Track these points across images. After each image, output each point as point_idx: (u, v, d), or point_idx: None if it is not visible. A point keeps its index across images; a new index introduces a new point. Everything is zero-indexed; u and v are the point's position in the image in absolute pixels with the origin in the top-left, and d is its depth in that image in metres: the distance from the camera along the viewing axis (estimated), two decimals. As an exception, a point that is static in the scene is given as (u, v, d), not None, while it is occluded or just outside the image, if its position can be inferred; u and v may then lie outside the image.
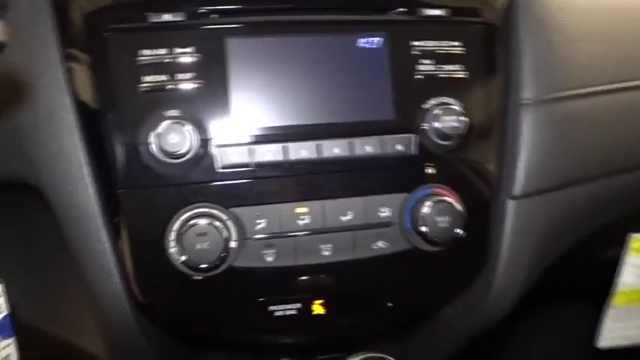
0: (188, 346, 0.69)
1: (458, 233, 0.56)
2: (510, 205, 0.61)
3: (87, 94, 0.54)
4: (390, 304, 0.59)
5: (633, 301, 0.76)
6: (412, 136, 0.57)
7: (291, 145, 0.55)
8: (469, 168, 0.59)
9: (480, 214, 0.60)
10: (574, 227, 0.66)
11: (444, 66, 0.59)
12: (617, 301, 0.76)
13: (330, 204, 0.56)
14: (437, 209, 0.56)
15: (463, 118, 0.57)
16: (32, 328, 0.67)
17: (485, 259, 0.62)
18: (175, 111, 0.53)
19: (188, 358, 0.71)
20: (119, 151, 0.53)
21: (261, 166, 0.54)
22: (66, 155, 0.54)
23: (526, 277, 0.63)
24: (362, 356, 0.41)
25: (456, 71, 0.59)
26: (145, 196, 0.53)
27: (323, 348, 0.73)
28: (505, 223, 0.61)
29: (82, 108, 0.55)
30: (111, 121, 0.53)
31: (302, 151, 0.55)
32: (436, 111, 0.57)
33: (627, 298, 0.76)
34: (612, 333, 0.77)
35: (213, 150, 0.54)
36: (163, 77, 0.54)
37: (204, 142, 0.53)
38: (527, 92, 0.62)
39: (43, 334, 0.68)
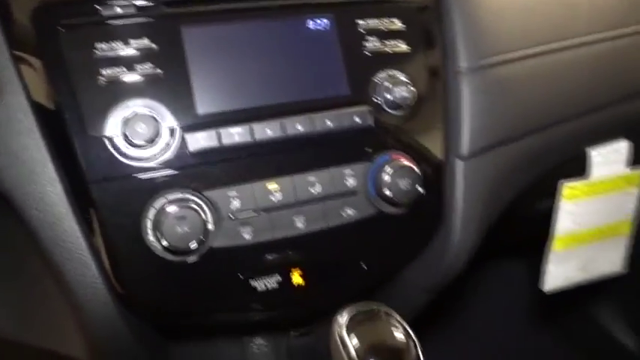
0: (169, 336, 0.69)
1: (419, 192, 0.61)
2: (459, 165, 0.67)
3: (45, 93, 0.54)
4: (363, 266, 0.62)
5: (570, 244, 0.84)
6: (367, 108, 0.61)
7: (255, 125, 0.57)
8: (420, 134, 0.64)
9: (434, 175, 0.65)
10: (518, 178, 0.73)
11: (389, 42, 0.63)
12: (556, 247, 0.83)
13: (298, 178, 0.59)
14: (397, 173, 0.60)
15: (411, 88, 0.62)
16: (3, 339, 0.66)
17: (442, 216, 0.67)
18: (139, 101, 0.54)
19: (169, 351, 0.72)
20: (85, 146, 0.54)
21: (229, 148, 0.56)
22: (29, 154, 0.54)
23: (479, 231, 0.69)
24: (356, 308, 0.44)
25: (400, 46, 0.64)
26: (116, 187, 0.54)
27: (300, 321, 0.76)
28: (456, 181, 0.67)
29: (41, 107, 0.55)
30: (73, 116, 0.54)
31: (267, 130, 0.57)
32: (386, 83, 0.61)
33: (564, 243, 0.83)
34: (555, 276, 0.85)
35: (181, 136, 0.55)
36: (123, 69, 0.54)
37: (171, 130, 0.55)
38: (462, 62, 0.67)
39: (16, 345, 0.66)
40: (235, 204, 0.57)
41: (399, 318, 0.44)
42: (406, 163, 0.61)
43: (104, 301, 0.56)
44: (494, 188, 0.69)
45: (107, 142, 0.54)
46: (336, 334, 0.43)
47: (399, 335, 0.43)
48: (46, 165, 0.54)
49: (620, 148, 0.81)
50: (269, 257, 0.59)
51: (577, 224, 0.83)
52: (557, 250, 0.83)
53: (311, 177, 0.59)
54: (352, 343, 0.42)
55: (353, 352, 0.42)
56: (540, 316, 1.58)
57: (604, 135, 0.79)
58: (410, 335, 0.43)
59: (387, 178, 0.60)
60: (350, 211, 0.61)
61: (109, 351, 0.60)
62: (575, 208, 0.81)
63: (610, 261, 0.88)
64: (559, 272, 0.85)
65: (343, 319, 0.44)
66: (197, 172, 0.56)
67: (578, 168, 0.81)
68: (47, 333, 0.66)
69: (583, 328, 1.55)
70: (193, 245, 0.54)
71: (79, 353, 0.65)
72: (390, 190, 0.60)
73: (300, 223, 0.59)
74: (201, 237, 0.54)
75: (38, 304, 0.66)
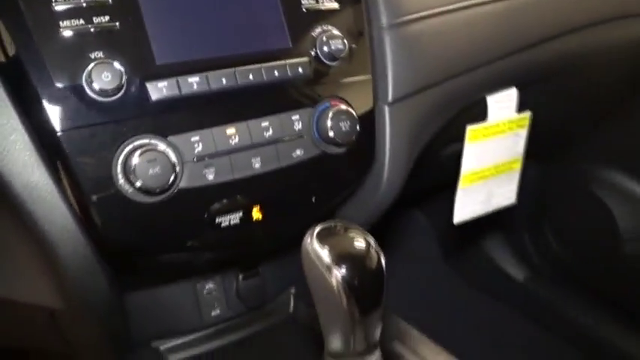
0: (125, 285, 0.73)
1: (356, 133, 0.69)
2: (386, 110, 0.76)
3: (6, 49, 0.56)
4: (312, 200, 0.70)
5: (473, 181, 0.97)
6: (307, 60, 0.68)
7: (211, 74, 0.62)
8: (354, 82, 0.73)
9: (367, 119, 0.74)
10: (434, 121, 0.83)
11: (322, 0, 0.71)
12: (463, 184, 0.96)
13: (253, 123, 0.65)
14: (336, 118, 0.68)
15: (344, 42, 0.70)
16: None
17: (374, 155, 0.76)
18: (100, 52, 0.57)
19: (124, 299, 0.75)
20: (52, 97, 0.56)
21: (188, 96, 0.61)
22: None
23: (405, 169, 0.79)
24: (322, 225, 0.51)
25: (332, 4, 0.72)
26: (85, 134, 0.57)
27: (253, 260, 0.83)
28: (384, 124, 0.76)
29: (3, 63, 0.56)
30: (37, 69, 0.56)
31: (222, 79, 0.63)
32: (323, 37, 0.69)
33: (469, 180, 0.96)
34: (462, 210, 0.97)
35: (143, 85, 0.59)
36: (81, 21, 0.57)
37: (134, 80, 0.59)
38: (383, 19, 0.76)
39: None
40: (198, 148, 0.62)
41: (361, 230, 0.52)
42: (344, 108, 0.69)
43: (78, 244, 0.59)
44: (416, 130, 0.79)
45: (73, 92, 0.56)
46: (308, 247, 0.49)
47: (363, 243, 0.50)
48: (10, 118, 0.56)
49: (512, 94, 0.95)
50: (231, 196, 0.65)
51: (479, 163, 0.96)
52: (463, 187, 0.96)
53: (264, 122, 0.66)
54: (324, 253, 0.49)
55: (327, 260, 0.48)
56: (443, 256, 1.76)
57: (499, 83, 0.92)
58: (372, 245, 0.51)
59: (328, 122, 0.68)
60: (299, 152, 0.68)
61: (81, 293, 0.63)
62: (477, 148, 0.94)
63: (506, 194, 1.03)
64: (465, 206, 0.98)
65: (313, 233, 0.50)
66: (160, 119, 0.60)
67: (478, 113, 0.94)
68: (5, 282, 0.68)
69: (476, 262, 1.74)
70: (165, 185, 0.58)
71: (43, 299, 0.67)
72: (332, 132, 0.68)
73: (256, 164, 0.65)
74: (171, 178, 0.59)
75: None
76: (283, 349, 0.90)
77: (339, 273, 0.46)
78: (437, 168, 0.99)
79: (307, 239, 0.51)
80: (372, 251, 0.50)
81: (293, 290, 0.94)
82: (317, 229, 0.51)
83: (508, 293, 1.67)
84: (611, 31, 1.03)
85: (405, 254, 1.68)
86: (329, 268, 0.46)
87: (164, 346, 0.86)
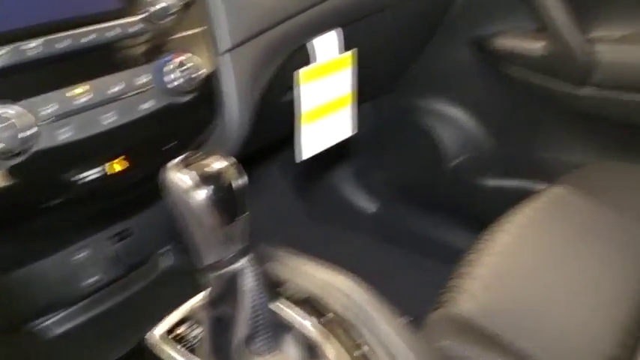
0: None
1: (202, 79, 0.75)
2: (226, 57, 0.82)
3: None
4: (170, 146, 0.75)
5: (312, 119, 1.07)
6: (140, 18, 0.72)
7: (51, 38, 0.64)
8: (191, 35, 0.78)
9: (209, 66, 0.80)
10: (270, 65, 0.91)
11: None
12: (302, 123, 1.06)
13: (100, 81, 0.68)
14: (180, 67, 0.74)
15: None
16: None
17: (221, 99, 0.83)
18: None
19: None
20: None
21: (31, 59, 0.63)
22: None
23: (250, 112, 0.87)
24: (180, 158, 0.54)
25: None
26: None
27: (120, 213, 0.86)
28: (226, 69, 0.82)
29: None
30: None
31: (63, 42, 0.65)
32: None
33: (308, 118, 1.06)
34: (305, 147, 1.07)
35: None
36: None
37: None
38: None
39: None
40: (48, 109, 0.64)
41: (221, 154, 0.57)
42: (185, 58, 0.75)
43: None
44: (255, 73, 0.87)
45: None
46: (168, 174, 0.52)
47: (222, 162, 0.55)
48: None
49: (334, 35, 1.05)
50: (88, 152, 0.68)
51: (314, 102, 1.06)
52: (303, 125, 1.06)
53: (111, 79, 0.69)
54: (184, 175, 0.52)
55: (188, 181, 0.53)
56: (297, 192, 1.88)
57: (323, 25, 1.02)
58: (231, 162, 0.56)
59: (172, 73, 0.74)
60: (147, 104, 0.73)
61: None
62: (311, 89, 1.04)
63: (342, 127, 1.15)
64: (307, 143, 1.08)
65: (173, 162, 0.54)
66: (7, 84, 0.62)
67: (306, 57, 1.03)
68: None
69: (327, 198, 1.89)
70: (19, 148, 0.61)
71: None
72: (176, 82, 0.74)
73: (109, 119, 0.69)
74: (26, 140, 0.61)
75: None
76: (166, 299, 0.95)
77: (202, 191, 0.52)
78: (279, 117, 1.07)
79: (167, 168, 0.54)
80: (231, 168, 0.55)
81: (169, 247, 0.99)
82: (176, 159, 0.55)
83: (359, 222, 1.84)
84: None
85: (262, 190, 1.76)
86: (191, 188, 0.52)
87: (44, 323, 0.87)
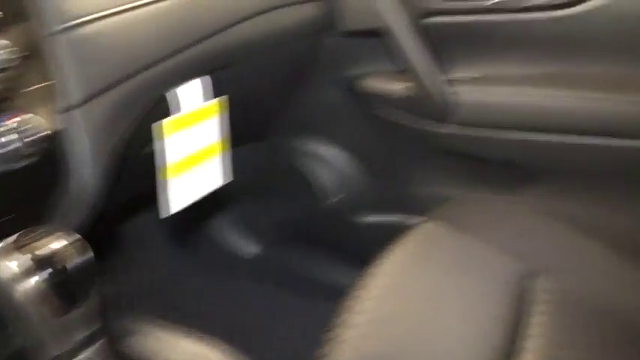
0: None
1: (44, 138, 0.68)
2: (72, 114, 0.76)
3: None
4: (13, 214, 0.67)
5: (178, 172, 1.02)
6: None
7: None
8: (33, 92, 0.71)
9: (54, 126, 0.73)
10: (122, 121, 0.86)
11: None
12: (168, 176, 1.00)
13: None
14: (18, 128, 0.67)
15: (13, 49, 0.68)
16: None
17: (69, 161, 0.76)
18: None
19: None
20: None
21: None
22: None
23: (104, 167, 0.80)
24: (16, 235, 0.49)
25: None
26: None
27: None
28: (74, 129, 0.76)
29: None
30: None
31: None
32: None
33: (174, 172, 1.01)
34: (172, 201, 1.02)
35: None
36: None
37: None
38: (53, 24, 0.76)
39: None
40: None
41: (65, 230, 0.51)
42: (21, 120, 0.68)
43: None
44: (108, 131, 0.81)
45: None
46: None
47: (61, 243, 0.50)
48: None
49: (198, 84, 1.02)
50: None
51: (181, 153, 1.01)
52: (171, 179, 1.00)
53: None
54: (12, 264, 0.47)
55: (16, 270, 0.46)
56: (177, 245, 1.80)
57: (185, 75, 0.98)
58: (74, 241, 0.51)
59: (5, 137, 0.66)
60: None
61: None
62: (175, 140, 0.99)
63: (213, 177, 1.11)
64: (175, 197, 1.02)
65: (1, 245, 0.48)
66: None
67: (169, 107, 0.99)
68: None
69: (209, 246, 1.82)
70: None
71: None
72: (12, 146, 0.66)
73: None
74: None
75: None
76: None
77: (32, 279, 0.46)
78: (145, 169, 1.01)
79: None
80: (72, 247, 0.50)
81: None
82: (6, 241, 0.49)
83: (243, 268, 1.80)
84: (280, 16, 1.17)
85: (138, 243, 1.67)
86: (19, 277, 0.46)
87: None
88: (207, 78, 1.04)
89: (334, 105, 1.51)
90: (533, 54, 1.24)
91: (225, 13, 1.03)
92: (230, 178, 1.14)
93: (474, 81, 1.28)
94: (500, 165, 1.35)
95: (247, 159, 1.66)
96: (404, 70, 1.31)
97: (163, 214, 1.01)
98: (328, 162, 1.59)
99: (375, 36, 1.30)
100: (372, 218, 1.59)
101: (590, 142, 1.19)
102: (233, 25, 1.04)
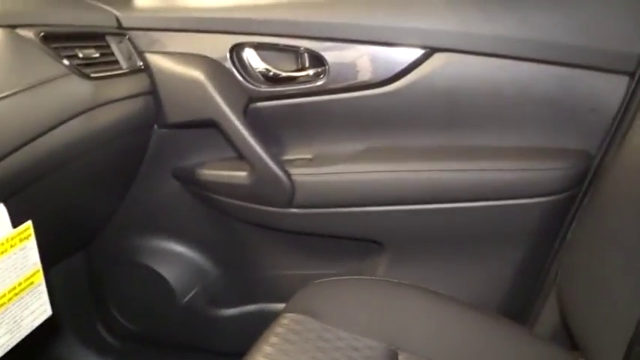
0: None
1: None
2: None
3: None
4: None
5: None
6: None
7: None
8: None
9: None
10: None
11: None
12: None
13: None
14: None
15: None
16: None
17: None
18: None
19: None
20: None
21: None
22: None
23: None
24: None
25: None
26: None
27: None
28: None
29: None
30: None
31: None
32: None
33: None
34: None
35: None
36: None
37: None
38: None
39: None
40: None
41: None
42: None
43: None
44: None
45: None
46: None
47: None
48: None
49: (1, 211, 0.89)
50: None
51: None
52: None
53: None
54: None
55: None
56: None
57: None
58: None
59: None
60: None
61: None
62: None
63: (37, 311, 0.97)
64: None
65: None
66: None
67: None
68: None
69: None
70: None
71: None
72: None
73: None
74: None
75: None
76: None
77: None
78: None
79: None
80: None
81: None
82: None
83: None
84: (105, 114, 1.09)
85: None
86: None
87: None
88: (2, 205, 0.90)
89: (173, 196, 1.43)
90: (358, 131, 1.27)
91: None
92: (49, 313, 1.00)
93: (309, 163, 1.28)
94: (350, 239, 1.35)
95: (85, 266, 1.52)
96: (241, 157, 1.27)
97: None
98: (176, 257, 1.49)
99: (210, 126, 1.26)
100: (231, 310, 1.51)
101: (425, 208, 1.23)
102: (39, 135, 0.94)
